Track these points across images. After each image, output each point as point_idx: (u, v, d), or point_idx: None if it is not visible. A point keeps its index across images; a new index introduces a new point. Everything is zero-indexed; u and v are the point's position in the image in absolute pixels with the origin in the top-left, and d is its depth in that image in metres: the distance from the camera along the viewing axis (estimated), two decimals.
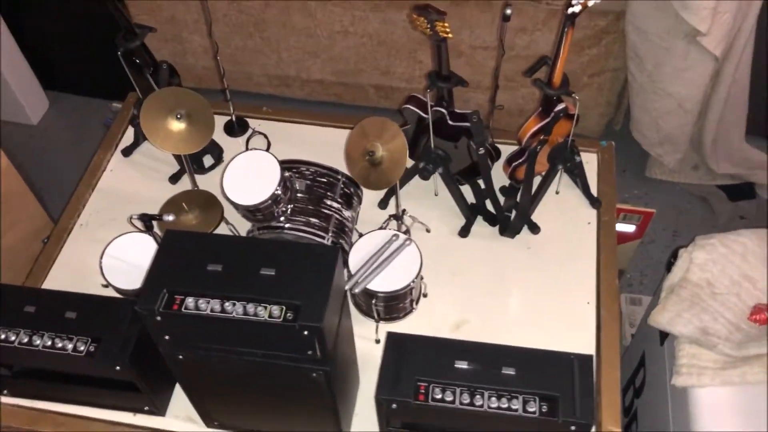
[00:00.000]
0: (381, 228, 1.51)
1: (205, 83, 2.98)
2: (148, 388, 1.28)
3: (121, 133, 1.81)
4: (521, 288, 1.50)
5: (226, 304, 1.02)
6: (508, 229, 1.52)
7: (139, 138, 1.74)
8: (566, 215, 1.59)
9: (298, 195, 1.39)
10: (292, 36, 2.73)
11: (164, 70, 1.55)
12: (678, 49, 2.18)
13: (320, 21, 2.64)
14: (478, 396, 1.13)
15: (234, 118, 1.76)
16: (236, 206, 1.33)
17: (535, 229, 1.56)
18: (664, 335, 1.66)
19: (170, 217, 1.20)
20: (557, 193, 1.61)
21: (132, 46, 1.52)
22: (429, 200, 1.64)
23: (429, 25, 1.26)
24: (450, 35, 1.28)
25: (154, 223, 1.25)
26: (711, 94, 2.34)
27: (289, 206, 1.36)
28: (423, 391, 1.14)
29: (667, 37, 2.19)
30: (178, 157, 1.69)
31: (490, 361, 1.16)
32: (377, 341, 1.42)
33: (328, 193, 1.42)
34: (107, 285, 1.38)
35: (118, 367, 1.21)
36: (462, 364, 1.15)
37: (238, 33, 2.76)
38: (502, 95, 2.69)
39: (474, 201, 1.60)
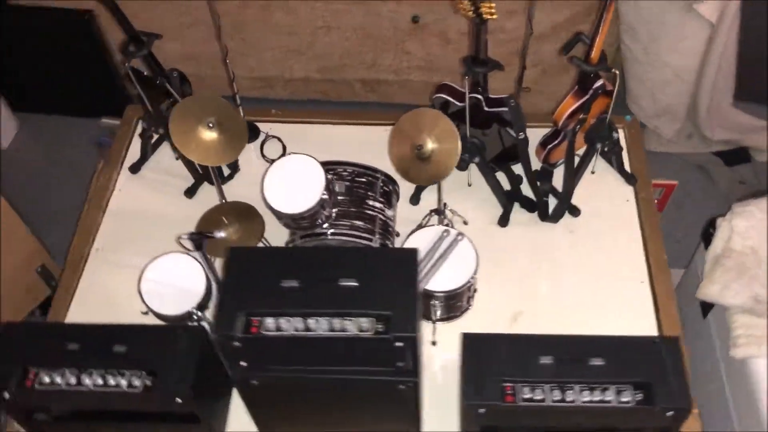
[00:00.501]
0: (421, 225, 1.45)
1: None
2: (207, 415, 1.19)
3: (125, 149, 1.71)
4: (571, 273, 1.46)
5: (309, 321, 0.95)
6: (551, 214, 1.48)
7: (147, 152, 1.65)
8: (603, 195, 1.56)
9: (339, 198, 1.32)
10: (272, 35, 2.64)
11: (175, 78, 1.46)
12: (673, 19, 2.17)
13: (302, 18, 2.56)
14: (569, 391, 1.08)
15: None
16: (279, 215, 1.25)
17: (575, 211, 1.52)
18: (706, 308, 1.64)
19: (222, 234, 1.12)
20: (593, 173, 1.56)
21: (139, 55, 1.42)
22: (462, 191, 1.58)
23: (473, 8, 1.20)
24: (494, 16, 1.23)
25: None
26: (705, 61, 2.34)
27: (333, 210, 1.29)
28: (510, 391, 1.09)
29: (661, 7, 2.17)
30: (192, 170, 1.60)
31: (574, 354, 1.11)
32: (433, 343, 1.36)
33: (369, 193, 1.35)
34: (147, 312, 1.29)
35: (179, 399, 1.13)
36: (546, 360, 1.11)
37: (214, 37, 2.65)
38: (495, 80, 2.65)
39: (508, 188, 1.55)
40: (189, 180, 1.65)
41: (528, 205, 1.53)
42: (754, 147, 2.62)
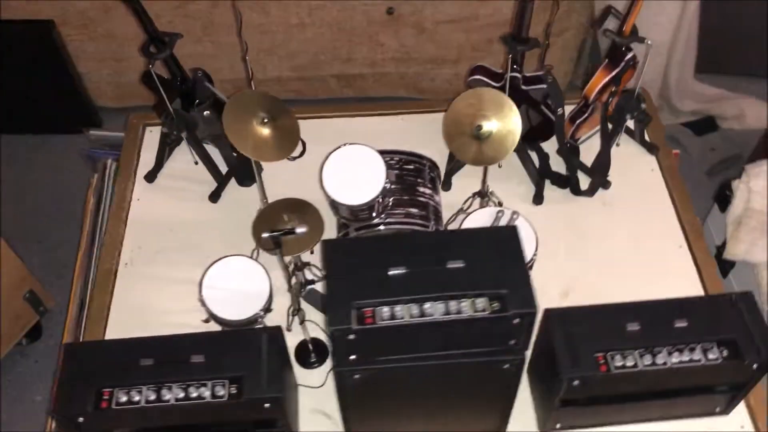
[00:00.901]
0: (461, 209, 1.45)
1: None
2: (287, 420, 1.16)
3: (136, 158, 1.64)
4: (611, 244, 1.49)
5: (426, 305, 0.93)
6: (588, 189, 1.50)
7: (164, 159, 1.58)
8: (628, 165, 1.60)
9: (391, 186, 1.30)
10: (244, 35, 2.58)
11: (200, 77, 1.41)
12: None
13: (275, 17, 2.51)
14: (659, 355, 1.10)
15: None
16: (340, 207, 1.23)
17: (606, 184, 1.54)
18: (727, 268, 1.70)
19: (303, 229, 1.09)
20: (617, 145, 1.60)
21: (163, 56, 1.37)
22: (491, 173, 1.58)
23: None
24: None
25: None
26: (675, 36, 2.42)
27: (389, 199, 1.27)
28: (602, 361, 1.10)
29: None
30: (216, 173, 1.55)
31: (658, 318, 1.13)
32: None
33: (419, 180, 1.34)
34: (209, 320, 1.24)
35: (267, 405, 1.09)
36: (633, 326, 1.12)
37: (184, 40, 2.57)
38: (469, 66, 2.67)
39: (537, 166, 1.56)
40: (205, 185, 1.60)
41: (559, 182, 1.55)
42: (719, 115, 2.74)
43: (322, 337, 1.36)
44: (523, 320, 0.94)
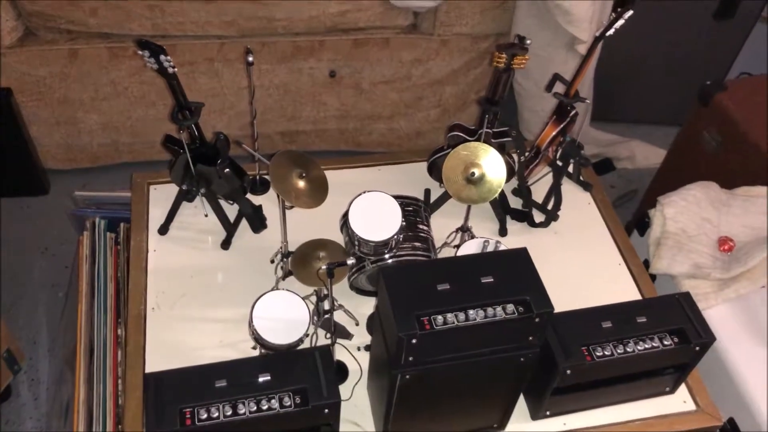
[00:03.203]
0: (446, 242, 1.73)
1: (102, 160, 2.91)
2: (337, 424, 1.37)
3: (146, 213, 1.81)
4: (564, 265, 1.80)
5: (469, 312, 1.19)
6: (544, 221, 1.82)
7: (176, 213, 1.77)
8: (569, 201, 1.93)
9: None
10: (196, 98, 2.77)
11: (222, 140, 1.62)
12: (559, 56, 2.63)
13: (226, 81, 2.73)
14: (628, 345, 1.41)
15: (258, 177, 1.85)
16: (362, 244, 1.47)
17: (556, 217, 1.87)
18: (651, 280, 2.06)
19: (352, 260, 1.33)
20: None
21: (191, 123, 1.57)
22: (456, 210, 1.85)
23: (507, 60, 1.51)
24: (522, 66, 1.55)
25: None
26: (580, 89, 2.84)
27: (399, 236, 1.53)
28: (587, 353, 1.40)
29: (548, 48, 2.63)
30: (226, 223, 1.75)
31: (624, 316, 1.45)
32: None
33: (417, 219, 1.61)
34: (256, 347, 1.44)
35: (326, 410, 1.30)
36: (607, 324, 1.43)
37: (139, 104, 2.75)
38: (402, 121, 3.00)
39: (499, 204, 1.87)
40: (215, 234, 1.79)
41: (518, 216, 1.86)
42: (615, 157, 3.19)
43: (341, 357, 1.58)
44: (542, 318, 1.22)
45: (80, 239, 2.07)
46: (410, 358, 1.21)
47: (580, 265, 1.80)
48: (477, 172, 1.49)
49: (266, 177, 1.90)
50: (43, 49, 2.54)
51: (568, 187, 1.96)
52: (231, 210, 1.82)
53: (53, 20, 2.49)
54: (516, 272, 1.26)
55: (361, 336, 1.64)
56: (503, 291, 1.22)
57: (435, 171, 1.84)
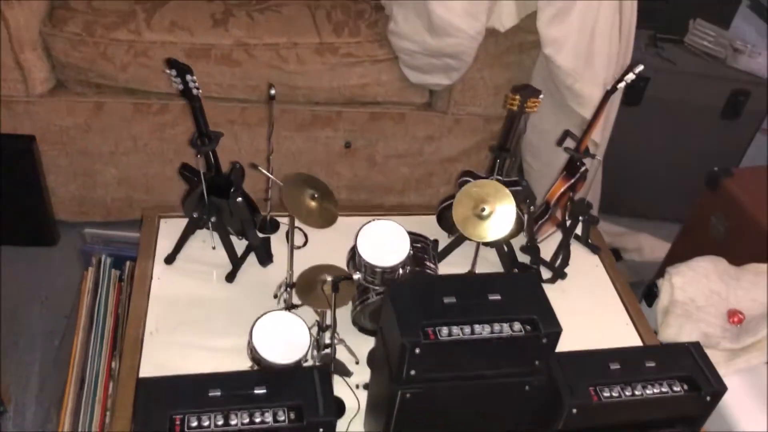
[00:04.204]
0: None
1: (114, 215, 2.93)
2: None
3: (154, 244, 1.82)
4: (571, 323, 1.76)
5: (475, 326, 1.17)
6: (552, 278, 1.81)
7: (184, 243, 1.77)
8: (577, 263, 1.93)
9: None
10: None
11: (237, 170, 1.65)
12: (569, 142, 2.69)
13: (244, 144, 2.79)
14: (636, 388, 1.37)
15: (269, 218, 1.87)
16: (368, 271, 1.46)
17: (564, 275, 1.86)
18: None
19: (358, 275, 1.32)
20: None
21: (210, 149, 1.61)
22: (463, 260, 1.85)
23: (520, 102, 1.56)
24: (535, 110, 1.59)
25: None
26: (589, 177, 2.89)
27: (406, 269, 1.52)
28: (594, 393, 1.36)
29: (559, 129, 2.69)
30: (233, 255, 1.75)
31: (632, 359, 1.41)
32: None
33: (425, 256, 1.61)
34: (253, 366, 1.41)
35: (321, 429, 1.26)
36: (615, 366, 1.40)
37: (157, 160, 2.80)
38: (412, 195, 3.04)
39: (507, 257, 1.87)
40: (220, 267, 1.79)
41: (525, 271, 1.85)
42: (622, 248, 3.19)
43: (339, 394, 1.54)
44: (549, 339, 1.19)
45: (84, 274, 2.06)
46: (412, 372, 1.18)
47: (587, 324, 1.76)
48: (487, 209, 1.50)
49: (277, 218, 1.91)
50: (71, 100, 2.62)
51: (577, 250, 1.96)
52: (239, 246, 1.82)
53: (85, 73, 2.58)
54: (524, 293, 1.24)
55: (361, 375, 1.59)
56: (511, 309, 1.21)
57: (444, 221, 1.85)
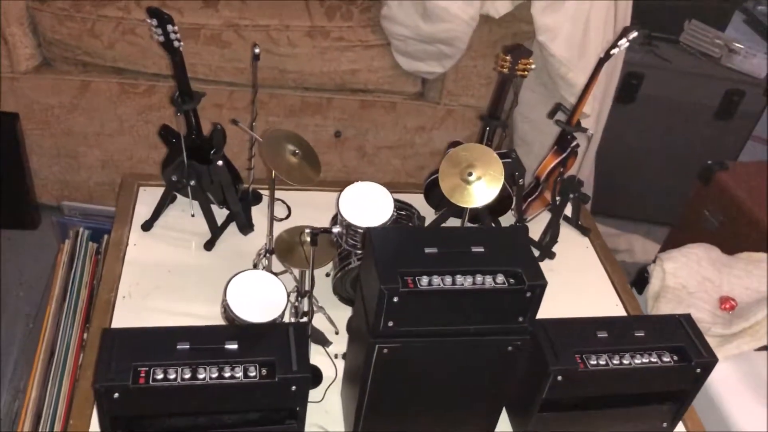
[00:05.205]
0: None
1: (96, 200, 2.87)
2: (303, 413, 1.25)
3: (131, 210, 1.76)
4: (559, 304, 1.70)
5: (457, 277, 1.12)
6: (538, 257, 1.76)
7: (162, 209, 1.72)
8: (566, 243, 1.88)
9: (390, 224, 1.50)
10: None
11: (218, 131, 1.60)
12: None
13: (232, 130, 2.73)
14: (624, 357, 1.32)
15: (251, 190, 1.82)
16: (354, 233, 1.40)
17: (552, 255, 1.81)
18: None
19: (337, 229, 1.26)
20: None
21: (191, 107, 1.56)
22: None
23: (511, 63, 1.52)
24: (527, 74, 1.55)
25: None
26: (580, 173, 2.85)
27: None
28: (580, 360, 1.30)
29: (551, 124, 2.66)
30: (213, 223, 1.70)
31: (621, 329, 1.36)
32: None
33: (410, 224, 1.55)
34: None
35: (294, 388, 1.20)
36: (603, 334, 1.34)
37: (143, 144, 2.75)
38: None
39: None
40: (199, 236, 1.73)
41: None
42: (614, 249, 3.15)
43: (315, 362, 1.48)
44: (534, 293, 1.14)
45: (61, 246, 2.00)
46: (390, 323, 1.12)
47: (575, 304, 1.72)
48: (474, 173, 1.45)
49: (259, 191, 1.86)
50: (56, 78, 2.57)
51: (567, 231, 1.92)
52: (220, 216, 1.76)
53: (71, 50, 2.54)
54: (509, 246, 1.19)
55: (340, 345, 1.54)
56: (494, 261, 1.15)
57: (432, 196, 1.80)
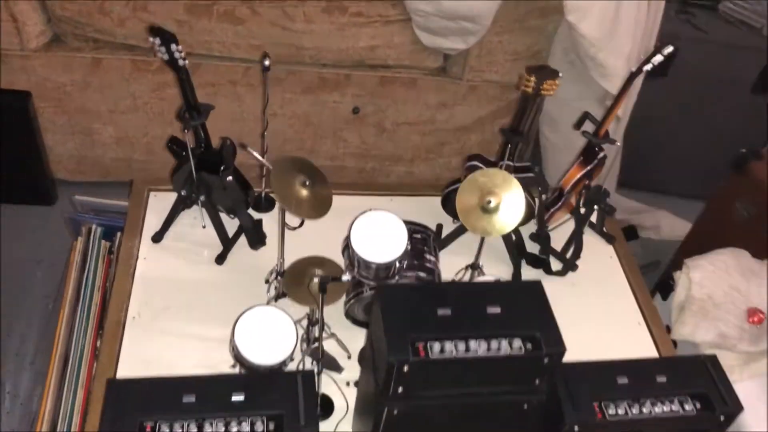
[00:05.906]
0: (453, 280, 1.61)
1: (113, 175, 2.84)
2: None
3: (141, 219, 1.72)
4: (580, 319, 1.65)
5: (472, 342, 1.07)
6: (562, 269, 1.70)
7: (172, 221, 1.67)
8: (590, 253, 1.81)
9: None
10: (216, 121, 2.72)
11: (228, 146, 1.53)
12: (590, 110, 2.54)
13: (248, 106, 2.67)
14: (645, 405, 1.27)
15: (263, 195, 1.76)
16: (362, 266, 1.35)
17: (575, 267, 1.75)
18: (673, 347, 1.91)
19: (347, 277, 1.21)
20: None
21: (198, 123, 1.49)
22: (467, 249, 1.73)
23: (536, 84, 1.42)
24: (551, 93, 1.46)
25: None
26: (606, 179, 2.74)
27: (403, 263, 1.41)
28: (599, 409, 1.26)
29: (579, 101, 2.54)
30: (224, 236, 1.65)
31: (642, 373, 1.31)
32: None
33: (425, 248, 1.50)
34: (235, 365, 1.32)
35: None
36: (623, 380, 1.29)
37: (157, 121, 2.69)
38: (422, 165, 2.92)
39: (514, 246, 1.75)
40: (210, 248, 1.69)
41: (533, 262, 1.74)
42: (639, 225, 3.06)
43: (328, 392, 1.45)
44: (551, 359, 1.09)
45: (73, 244, 1.98)
46: (400, 389, 1.08)
47: (596, 321, 1.67)
48: (494, 201, 1.38)
49: (272, 195, 1.81)
50: (68, 55, 2.50)
51: (590, 238, 1.85)
52: (231, 225, 1.72)
53: (82, 27, 2.45)
54: (527, 305, 1.13)
55: (352, 371, 1.50)
56: (511, 324, 1.10)
57: (449, 205, 1.73)
